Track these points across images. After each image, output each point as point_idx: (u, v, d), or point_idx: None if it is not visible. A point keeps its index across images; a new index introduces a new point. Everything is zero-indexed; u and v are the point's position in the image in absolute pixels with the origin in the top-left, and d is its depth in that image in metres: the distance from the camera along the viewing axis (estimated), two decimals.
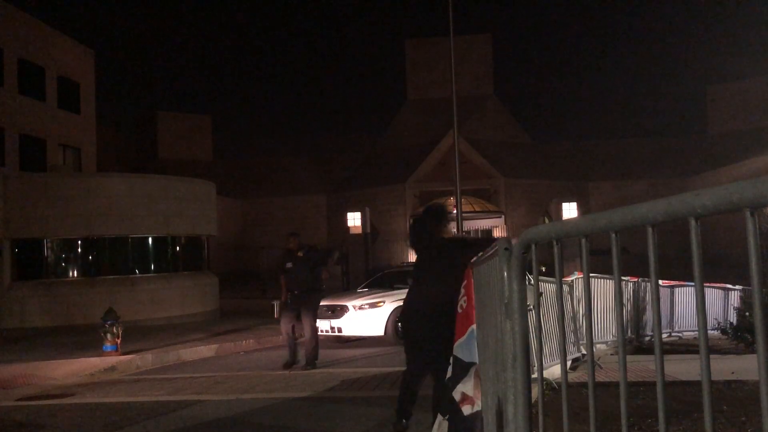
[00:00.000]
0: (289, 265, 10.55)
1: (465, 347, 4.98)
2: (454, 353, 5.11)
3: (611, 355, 9.78)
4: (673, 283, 13.04)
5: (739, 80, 45.99)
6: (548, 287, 7.95)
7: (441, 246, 5.88)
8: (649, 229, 1.44)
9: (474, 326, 4.92)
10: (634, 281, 11.48)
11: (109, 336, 11.98)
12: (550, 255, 2.02)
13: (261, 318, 18.37)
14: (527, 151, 43.81)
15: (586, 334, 7.78)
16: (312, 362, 10.34)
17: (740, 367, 7.71)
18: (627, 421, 1.61)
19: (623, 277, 10.69)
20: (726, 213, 1.24)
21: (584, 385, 6.65)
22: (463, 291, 5.16)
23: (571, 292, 9.11)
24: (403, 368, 6.06)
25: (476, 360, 4.96)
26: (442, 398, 4.98)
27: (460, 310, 5.15)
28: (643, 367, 8.36)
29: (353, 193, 41.14)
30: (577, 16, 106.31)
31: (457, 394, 4.83)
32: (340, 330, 13.15)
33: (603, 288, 10.24)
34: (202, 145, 49.33)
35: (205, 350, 13.12)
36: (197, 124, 49.54)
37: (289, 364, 10.42)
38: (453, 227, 6.34)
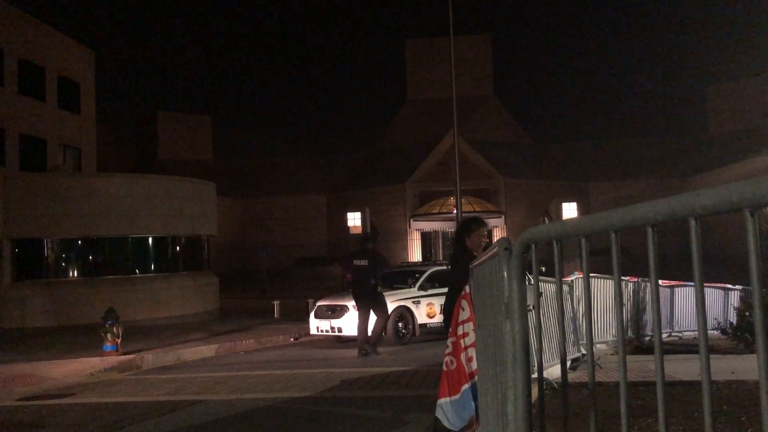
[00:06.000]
0: (362, 262, 11.88)
1: (458, 405, 4.95)
2: (437, 414, 5.12)
3: (611, 355, 9.78)
4: (673, 283, 13.03)
5: (739, 80, 45.98)
6: (548, 287, 7.95)
7: (456, 252, 6.89)
8: (649, 229, 1.44)
9: (467, 386, 4.89)
10: (634, 281, 11.48)
11: (109, 336, 11.98)
12: (550, 255, 2.02)
13: (261, 318, 18.38)
14: (527, 151, 43.81)
15: (586, 334, 7.78)
16: (374, 347, 11.67)
17: (740, 367, 7.71)
18: (627, 421, 1.61)
19: (623, 277, 10.70)
20: (726, 213, 1.24)
21: (584, 385, 6.66)
22: (450, 345, 5.12)
23: (571, 292, 9.10)
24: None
25: (465, 422, 4.94)
26: None
27: (445, 368, 5.13)
28: (643, 367, 8.36)
29: (353, 193, 41.12)
30: (577, 16, 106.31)
31: None
32: (340, 330, 13.15)
33: (603, 288, 10.23)
34: (202, 145, 49.33)
35: (205, 350, 13.12)
36: (197, 124, 49.54)
37: (366, 352, 11.70)
38: (479, 238, 6.83)
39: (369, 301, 11.78)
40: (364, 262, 11.81)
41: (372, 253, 12.16)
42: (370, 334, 11.88)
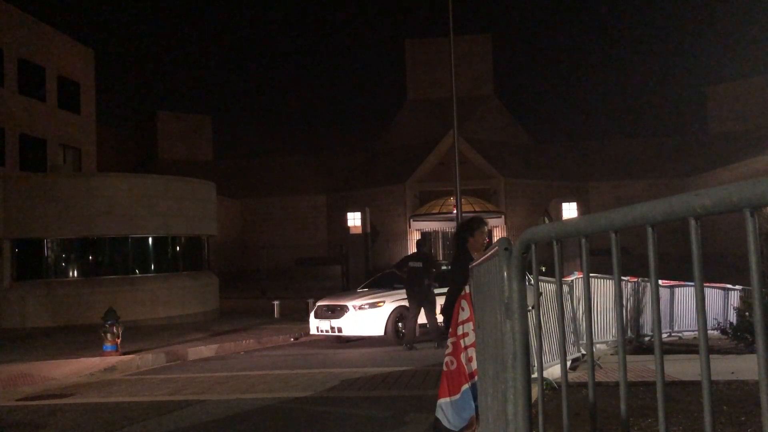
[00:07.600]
0: (417, 264, 12.87)
1: (458, 406, 4.95)
2: (437, 414, 5.12)
3: (611, 355, 9.78)
4: (673, 283, 13.03)
5: (739, 80, 45.97)
6: (548, 287, 7.95)
7: (458, 253, 6.82)
8: (649, 229, 1.44)
9: (467, 386, 4.90)
10: (634, 281, 11.48)
11: (109, 336, 11.99)
12: (550, 255, 2.01)
13: (261, 318, 18.38)
14: (527, 151, 43.79)
15: (586, 334, 7.78)
16: (440, 340, 11.89)
17: (740, 367, 7.71)
18: (627, 421, 1.61)
19: (623, 277, 10.69)
20: (726, 213, 1.24)
21: (584, 385, 6.66)
22: (450, 346, 5.14)
23: (571, 292, 9.10)
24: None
25: (465, 422, 4.94)
26: None
27: (445, 368, 5.14)
28: (643, 367, 8.35)
29: (353, 193, 41.11)
30: (577, 16, 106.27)
31: None
32: (340, 330, 13.15)
33: (603, 288, 10.23)
34: (202, 145, 49.31)
35: (205, 350, 13.12)
36: (197, 124, 49.52)
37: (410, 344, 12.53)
38: (482, 236, 6.83)
39: (422, 299, 12.68)
40: (418, 264, 12.89)
41: (426, 256, 13.37)
42: (415, 329, 12.77)
